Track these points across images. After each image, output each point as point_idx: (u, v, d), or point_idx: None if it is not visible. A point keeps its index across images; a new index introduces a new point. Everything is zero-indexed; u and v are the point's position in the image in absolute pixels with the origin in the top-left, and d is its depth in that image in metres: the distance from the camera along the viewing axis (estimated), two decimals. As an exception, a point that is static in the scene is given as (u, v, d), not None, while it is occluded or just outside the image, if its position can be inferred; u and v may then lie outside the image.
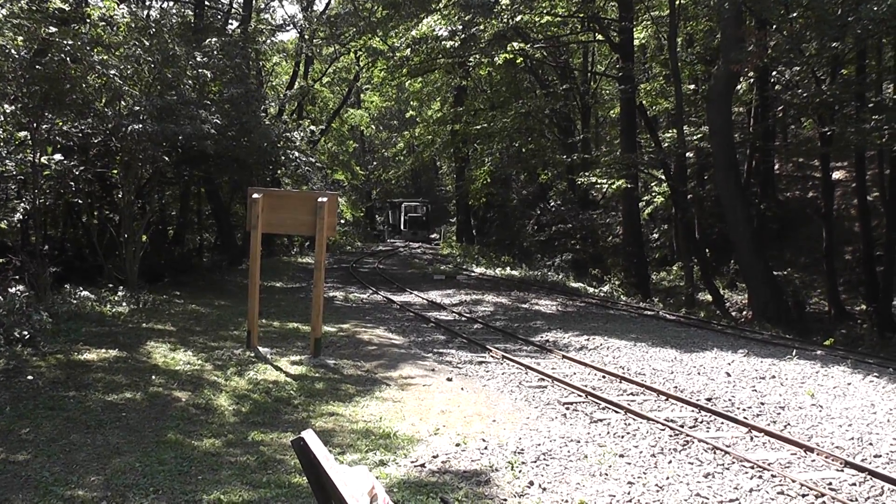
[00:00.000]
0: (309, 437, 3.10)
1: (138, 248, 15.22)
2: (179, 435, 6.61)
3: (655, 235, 31.11)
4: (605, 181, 27.29)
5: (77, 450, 6.09)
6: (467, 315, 16.01)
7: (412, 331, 13.75)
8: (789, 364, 11.04)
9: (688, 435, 7.18)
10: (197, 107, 14.91)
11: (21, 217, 12.67)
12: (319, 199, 10.12)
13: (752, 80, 24.25)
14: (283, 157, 20.25)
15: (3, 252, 12.79)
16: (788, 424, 7.83)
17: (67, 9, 12.15)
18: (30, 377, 7.94)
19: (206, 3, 25.07)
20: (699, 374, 10.36)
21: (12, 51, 11.13)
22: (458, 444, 6.72)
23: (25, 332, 9.15)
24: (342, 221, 41.34)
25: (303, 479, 5.37)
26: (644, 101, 26.87)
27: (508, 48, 25.14)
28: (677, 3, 22.38)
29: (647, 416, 7.84)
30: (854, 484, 6.07)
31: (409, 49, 27.14)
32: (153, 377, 8.48)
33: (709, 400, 8.79)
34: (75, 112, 13.50)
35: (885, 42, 19.90)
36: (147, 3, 23.61)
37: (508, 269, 28.43)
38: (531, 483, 5.79)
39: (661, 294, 24.30)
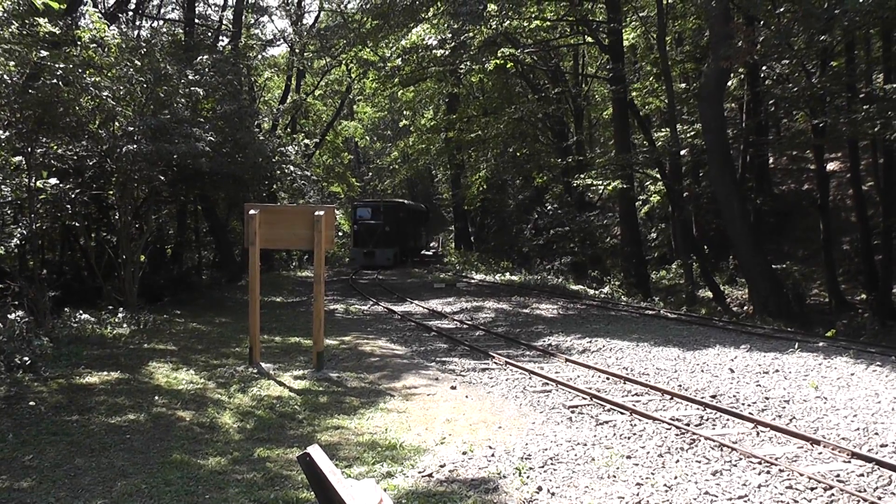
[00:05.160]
0: (315, 452, 3.09)
1: (137, 269, 15.21)
2: (184, 455, 6.59)
3: (653, 234, 31.14)
4: (600, 182, 27.39)
5: (82, 474, 6.06)
6: (469, 322, 15.98)
7: (414, 340, 13.72)
8: (792, 357, 11.03)
9: (694, 433, 7.16)
10: (190, 125, 14.95)
11: (18, 242, 12.65)
12: (316, 213, 10.12)
13: (742, 75, 24.36)
14: (278, 172, 20.34)
15: (2, 278, 12.77)
16: (794, 418, 7.82)
17: (58, 32, 12.17)
18: (32, 403, 7.91)
19: (196, 20, 25.19)
20: (703, 371, 10.36)
21: (4, 76, 11.17)
22: (464, 453, 6.69)
23: (26, 358, 9.13)
24: (340, 234, 41.32)
25: (310, 495, 5.35)
26: (636, 101, 26.95)
27: (499, 54, 25.24)
28: (665, 2, 22.47)
29: (652, 416, 7.82)
30: (862, 475, 6.04)
31: (400, 59, 27.26)
32: (156, 398, 8.45)
33: (713, 397, 8.77)
34: (69, 135, 13.54)
35: (874, 33, 19.98)
36: (137, 24, 23.74)
37: (508, 274, 28.44)
38: (539, 488, 5.77)
39: (661, 293, 24.32)
